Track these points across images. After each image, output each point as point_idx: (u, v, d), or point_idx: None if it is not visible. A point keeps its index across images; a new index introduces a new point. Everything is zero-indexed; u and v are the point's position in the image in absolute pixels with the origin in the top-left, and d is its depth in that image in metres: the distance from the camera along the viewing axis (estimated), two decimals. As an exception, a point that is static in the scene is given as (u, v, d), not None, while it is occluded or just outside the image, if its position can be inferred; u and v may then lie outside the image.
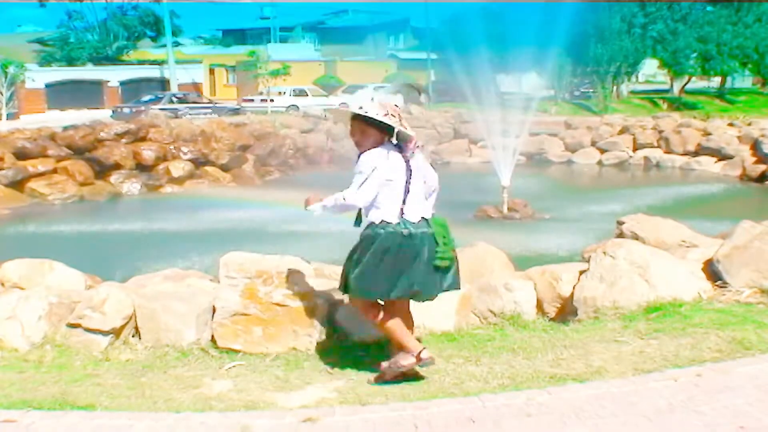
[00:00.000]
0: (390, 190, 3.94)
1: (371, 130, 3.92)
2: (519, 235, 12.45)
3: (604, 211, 14.51)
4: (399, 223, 3.94)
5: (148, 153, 19.69)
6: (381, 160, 3.92)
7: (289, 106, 35.27)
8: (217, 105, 33.90)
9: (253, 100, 36.91)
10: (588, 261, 5.64)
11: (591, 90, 38.42)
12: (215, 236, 12.54)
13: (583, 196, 17.59)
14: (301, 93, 38.67)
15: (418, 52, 49.19)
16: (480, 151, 24.35)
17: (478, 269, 6.00)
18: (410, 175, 3.96)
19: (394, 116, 3.92)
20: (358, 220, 4.10)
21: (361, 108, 3.89)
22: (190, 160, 20.21)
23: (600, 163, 25.09)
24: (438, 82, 38.28)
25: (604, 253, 5.48)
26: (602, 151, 25.45)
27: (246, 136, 22.25)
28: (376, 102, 3.95)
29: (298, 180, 20.25)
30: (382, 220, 3.97)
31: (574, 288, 5.49)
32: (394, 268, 3.91)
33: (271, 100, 34.84)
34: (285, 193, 17.83)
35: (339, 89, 45.42)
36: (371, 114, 3.87)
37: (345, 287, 4.14)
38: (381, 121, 3.90)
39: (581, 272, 5.58)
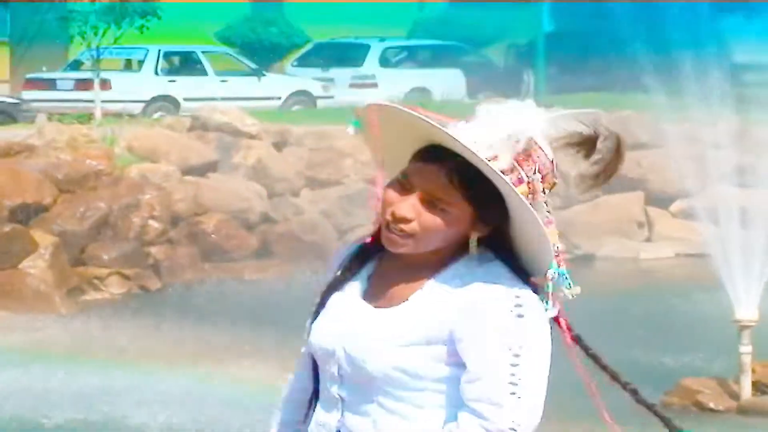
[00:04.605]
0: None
1: (461, 205, 3.25)
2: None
3: None
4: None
5: None
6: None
7: (150, 100, 34.22)
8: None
9: (54, 84, 35.31)
10: None
11: None
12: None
13: None
14: (187, 63, 37.55)
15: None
16: (673, 226, 24.25)
17: None
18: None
19: (530, 188, 3.26)
20: None
21: (473, 143, 3.20)
22: None
23: None
24: (555, 34, 40.68)
25: None
26: None
27: (33, 182, 20.94)
28: (511, 143, 3.27)
29: (175, 302, 19.79)
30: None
31: None
32: None
33: (104, 83, 32.42)
34: (139, 341, 16.94)
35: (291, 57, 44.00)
36: (482, 156, 3.17)
37: None
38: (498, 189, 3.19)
39: None
